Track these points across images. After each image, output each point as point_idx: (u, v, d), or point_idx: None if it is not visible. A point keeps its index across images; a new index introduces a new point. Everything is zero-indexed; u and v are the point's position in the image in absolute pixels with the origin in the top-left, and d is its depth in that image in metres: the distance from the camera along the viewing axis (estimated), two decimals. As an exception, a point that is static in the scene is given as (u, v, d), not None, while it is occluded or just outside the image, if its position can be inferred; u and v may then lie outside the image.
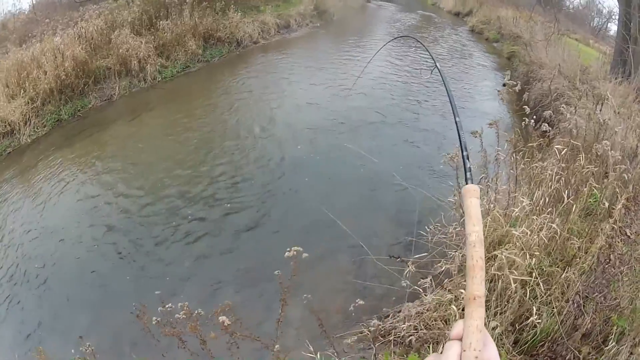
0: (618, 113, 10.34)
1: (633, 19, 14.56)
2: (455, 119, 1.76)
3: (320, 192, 9.57)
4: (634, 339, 4.88)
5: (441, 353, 1.14)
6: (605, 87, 12.77)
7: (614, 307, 5.17)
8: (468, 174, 1.50)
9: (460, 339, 1.13)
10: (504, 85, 16.95)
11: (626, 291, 5.54)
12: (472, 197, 1.33)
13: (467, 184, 1.41)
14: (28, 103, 13.39)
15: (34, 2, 21.93)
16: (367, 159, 9.80)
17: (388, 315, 6.30)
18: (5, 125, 12.98)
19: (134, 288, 7.55)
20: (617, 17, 20.29)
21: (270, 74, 17.27)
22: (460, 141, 1.66)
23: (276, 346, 4.51)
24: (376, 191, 9.62)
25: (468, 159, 1.57)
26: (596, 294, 5.36)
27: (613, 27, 32.81)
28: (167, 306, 4.34)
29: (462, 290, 5.21)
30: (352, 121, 12.71)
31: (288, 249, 4.23)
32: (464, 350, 1.10)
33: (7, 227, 9.40)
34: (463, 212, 6.26)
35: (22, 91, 13.55)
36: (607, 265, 5.80)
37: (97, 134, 12.88)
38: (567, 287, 5.34)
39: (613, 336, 4.89)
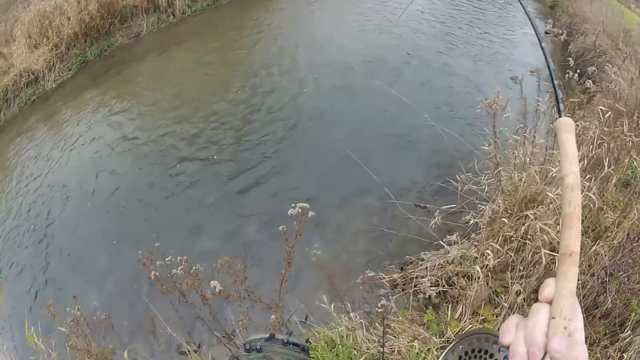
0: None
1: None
2: (540, 44, 1.49)
3: (347, 130, 9.31)
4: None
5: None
6: (647, 54, 12.40)
7: (636, 291, 4.93)
8: (561, 105, 1.25)
9: (550, 303, 0.92)
10: (547, 32, 16.54)
11: None
12: (568, 132, 1.09)
13: (560, 116, 1.16)
14: (52, 50, 13.40)
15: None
16: (397, 99, 9.41)
17: (411, 263, 6.13)
18: (28, 75, 13.05)
19: (153, 226, 7.67)
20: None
21: (304, 6, 16.63)
22: (549, 69, 1.39)
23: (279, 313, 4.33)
24: (406, 133, 9.27)
25: (561, 88, 1.32)
26: (621, 272, 5.09)
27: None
28: (166, 260, 4.16)
29: (489, 252, 4.97)
30: (385, 60, 12.23)
31: (293, 205, 3.92)
32: (553, 317, 0.89)
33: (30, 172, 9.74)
34: (497, 163, 6.04)
35: (45, 39, 13.53)
36: (636, 244, 5.54)
37: (124, 71, 12.83)
38: (595, 261, 5.12)
39: (630, 323, 4.71)
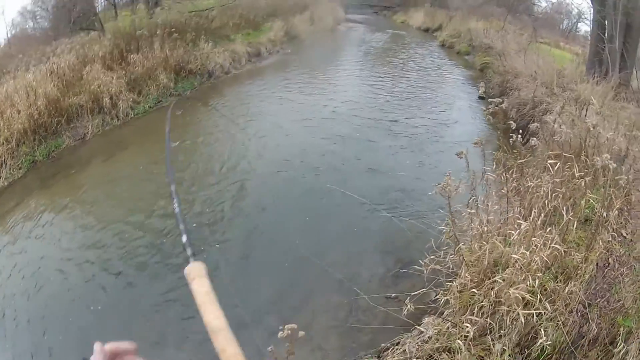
0: (600, 114, 10.30)
1: (608, 18, 14.77)
2: (171, 188, 1.50)
3: (295, 231, 9.17)
4: (642, 335, 4.79)
5: None
6: (583, 89, 12.80)
7: (619, 309, 5.09)
8: (189, 249, 1.27)
9: None
10: (480, 97, 16.98)
11: (629, 291, 5.46)
12: (198, 278, 1.12)
13: (189, 262, 1.20)
14: (3, 144, 13.11)
15: (9, 36, 21.78)
16: (342, 193, 9.52)
17: (387, 349, 6.02)
18: None
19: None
20: (587, 16, 20.47)
21: (242, 105, 17.00)
22: (177, 215, 1.40)
23: None
24: (358, 225, 9.19)
25: (188, 233, 1.35)
26: (599, 299, 5.30)
27: (583, 27, 33.26)
28: None
29: (468, 325, 5.01)
30: (319, 155, 12.38)
31: (281, 328, 3.91)
32: None
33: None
34: (457, 240, 6.15)
35: None
36: (606, 270, 5.71)
37: (71, 176, 12.49)
38: (570, 299, 5.19)
39: (620, 337, 4.80)
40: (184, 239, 1.30)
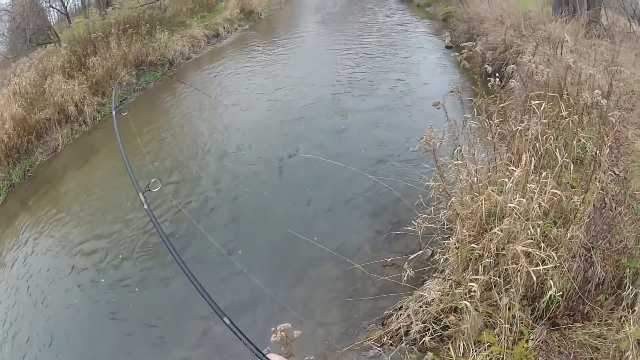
0: (575, 51, 10.16)
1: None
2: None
3: (281, 207, 9.13)
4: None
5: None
6: (553, 28, 12.70)
7: (622, 250, 5.02)
8: None
9: None
10: (448, 47, 16.84)
11: (630, 231, 5.37)
12: None
13: None
14: None
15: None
16: (324, 163, 9.31)
17: (390, 315, 5.92)
18: None
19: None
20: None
21: (208, 89, 16.70)
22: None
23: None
24: (342, 192, 9.08)
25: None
26: (600, 241, 5.19)
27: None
28: None
29: (473, 284, 4.82)
30: (297, 121, 12.41)
31: (273, 330, 3.58)
32: None
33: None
34: (448, 194, 6.00)
35: None
36: (604, 210, 5.59)
37: (49, 192, 12.32)
38: (572, 244, 5.08)
39: (628, 279, 4.78)
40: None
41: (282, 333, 3.39)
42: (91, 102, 15.67)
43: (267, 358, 1.30)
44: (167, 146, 12.78)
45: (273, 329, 3.43)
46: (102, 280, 8.32)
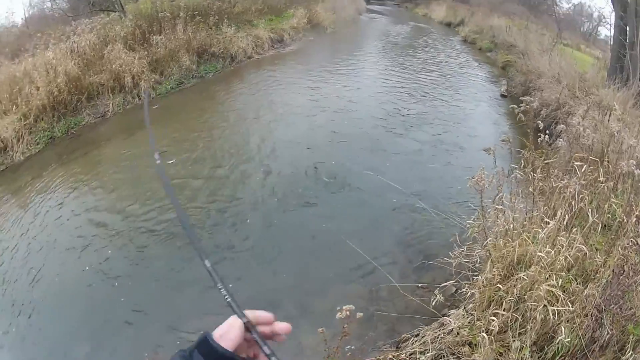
0: (622, 120, 10.28)
1: (630, 24, 14.57)
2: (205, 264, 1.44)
3: (327, 214, 9.24)
4: (650, 345, 4.87)
5: None
6: (605, 94, 12.78)
7: (630, 316, 5.12)
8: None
9: None
10: (502, 95, 16.95)
11: None
12: None
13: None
14: (21, 119, 13.21)
15: (27, 16, 21.85)
16: (375, 178, 9.51)
17: (406, 340, 6.06)
18: None
19: (131, 319, 7.23)
20: (608, 21, 20.29)
21: (265, 91, 16.97)
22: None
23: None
24: (390, 213, 9.21)
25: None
26: (612, 305, 5.27)
27: (604, 31, 33.01)
28: None
29: (493, 318, 5.08)
30: (349, 137, 12.53)
31: (339, 309, 3.92)
32: None
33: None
34: (485, 234, 6.18)
35: (14, 107, 13.39)
36: (621, 277, 5.72)
37: (91, 152, 12.63)
38: (587, 302, 5.21)
39: (630, 345, 4.87)
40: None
41: (347, 312, 3.71)
42: (148, 78, 16.07)
43: (241, 311, 1.31)
44: (201, 139, 12.95)
45: (339, 308, 3.76)
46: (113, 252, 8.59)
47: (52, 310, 7.44)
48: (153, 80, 16.34)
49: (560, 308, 4.93)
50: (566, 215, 5.79)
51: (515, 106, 6.97)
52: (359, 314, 3.91)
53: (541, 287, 5.01)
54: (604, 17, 30.20)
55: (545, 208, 6.30)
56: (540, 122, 6.88)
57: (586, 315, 5.10)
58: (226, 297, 1.32)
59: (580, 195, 6.08)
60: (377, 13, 38.88)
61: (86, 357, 6.55)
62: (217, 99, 16.41)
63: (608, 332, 4.96)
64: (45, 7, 24.33)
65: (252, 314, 1.32)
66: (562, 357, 5.00)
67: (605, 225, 6.67)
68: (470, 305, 5.92)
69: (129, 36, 17.21)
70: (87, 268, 8.15)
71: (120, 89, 15.50)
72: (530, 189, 6.28)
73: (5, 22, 21.73)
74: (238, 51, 20.15)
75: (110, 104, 14.92)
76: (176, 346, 5.69)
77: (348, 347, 5.47)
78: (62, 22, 19.62)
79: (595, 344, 4.98)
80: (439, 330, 5.75)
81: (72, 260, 8.41)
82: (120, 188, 10.67)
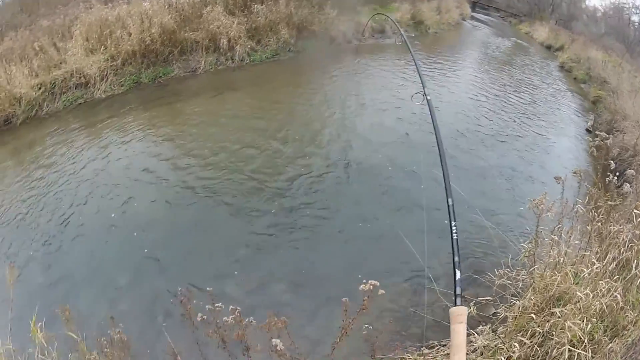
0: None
1: None
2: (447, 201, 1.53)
3: (389, 209, 9.43)
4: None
5: None
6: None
7: None
8: (458, 288, 1.36)
9: None
10: (588, 130, 16.64)
11: None
12: (459, 323, 1.24)
13: (455, 304, 1.31)
14: (107, 60, 13.85)
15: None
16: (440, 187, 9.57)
17: (432, 347, 6.19)
18: (79, 77, 13.53)
19: (176, 258, 7.80)
20: None
21: (361, 78, 17.00)
22: (453, 249, 1.46)
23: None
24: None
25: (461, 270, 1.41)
26: None
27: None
28: (216, 305, 4.29)
29: (516, 344, 5.14)
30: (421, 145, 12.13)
31: (364, 281, 4.06)
32: None
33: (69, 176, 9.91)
34: (534, 261, 6.19)
35: (102, 47, 14.03)
36: None
37: (176, 103, 13.13)
38: (608, 356, 5.19)
39: None
40: (457, 275, 1.39)
41: (371, 286, 3.87)
42: (245, 43, 16.52)
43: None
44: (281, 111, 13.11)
45: (365, 281, 3.93)
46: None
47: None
48: (249, 47, 16.72)
49: (582, 352, 4.92)
50: (614, 262, 5.78)
51: (590, 141, 6.91)
52: (381, 291, 4.00)
53: (571, 327, 5.02)
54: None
55: (597, 250, 6.29)
56: (612, 161, 6.84)
57: (605, 370, 5.06)
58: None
59: (631, 244, 6.05)
60: (480, 22, 38.30)
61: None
62: (308, 76, 16.68)
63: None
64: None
65: None
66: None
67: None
68: (501, 328, 5.99)
69: (230, 1, 17.58)
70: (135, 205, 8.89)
71: (215, 49, 15.93)
72: (589, 228, 6.28)
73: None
74: (338, 34, 20.32)
75: (203, 62, 15.37)
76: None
77: (366, 325, 5.52)
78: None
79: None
80: (467, 346, 5.76)
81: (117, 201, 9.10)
82: (195, 142, 11.02)
